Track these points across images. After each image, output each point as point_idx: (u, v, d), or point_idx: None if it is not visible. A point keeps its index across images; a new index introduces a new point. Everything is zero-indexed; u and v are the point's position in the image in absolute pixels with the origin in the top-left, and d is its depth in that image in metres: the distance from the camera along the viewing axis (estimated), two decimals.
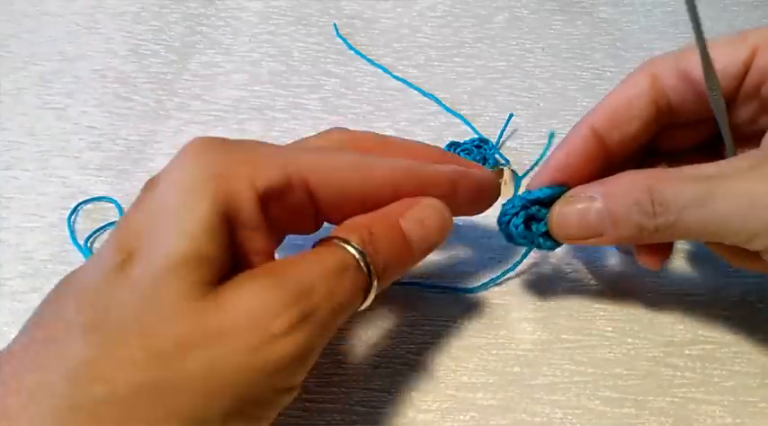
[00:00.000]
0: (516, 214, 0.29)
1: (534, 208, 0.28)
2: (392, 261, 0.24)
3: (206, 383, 0.19)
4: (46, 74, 0.44)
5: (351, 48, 0.46)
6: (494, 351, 0.30)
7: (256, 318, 0.20)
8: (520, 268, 0.33)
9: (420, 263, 0.30)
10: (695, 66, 0.26)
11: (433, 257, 0.34)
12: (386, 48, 0.46)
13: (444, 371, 0.30)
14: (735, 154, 0.27)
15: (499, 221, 0.30)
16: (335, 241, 0.23)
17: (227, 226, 0.22)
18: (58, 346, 0.19)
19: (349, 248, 0.23)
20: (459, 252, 0.34)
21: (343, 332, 0.31)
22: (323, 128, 0.41)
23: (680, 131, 0.29)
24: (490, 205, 0.29)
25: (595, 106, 0.29)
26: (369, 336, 0.31)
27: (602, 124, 0.28)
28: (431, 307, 0.32)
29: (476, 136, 0.40)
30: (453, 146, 0.38)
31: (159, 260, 0.20)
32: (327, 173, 0.24)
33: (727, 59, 0.26)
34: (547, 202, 0.28)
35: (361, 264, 0.23)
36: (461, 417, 0.28)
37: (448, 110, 0.42)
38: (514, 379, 0.29)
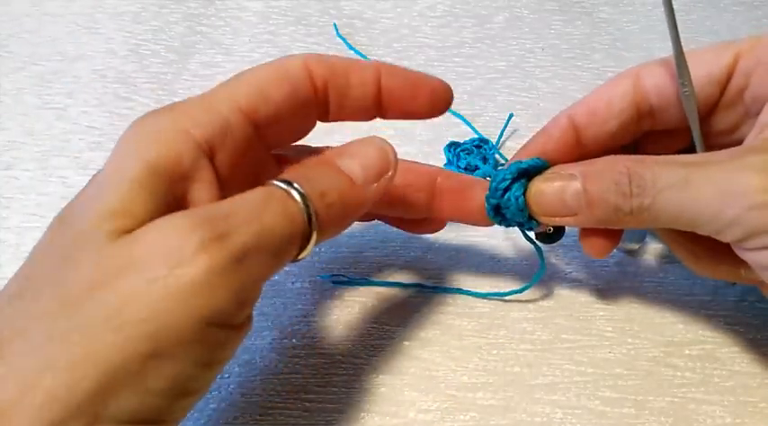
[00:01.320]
0: (510, 185, 0.27)
1: (524, 180, 0.27)
2: (333, 197, 0.23)
3: (118, 322, 0.18)
4: (46, 74, 0.44)
5: (351, 48, 0.46)
6: (494, 351, 0.30)
7: (165, 245, 0.19)
8: (520, 268, 0.33)
9: (421, 265, 0.30)
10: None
11: (436, 258, 0.34)
12: (386, 48, 0.46)
13: (444, 371, 0.30)
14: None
15: (492, 195, 0.28)
16: (266, 182, 0.22)
17: (161, 178, 0.21)
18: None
19: (274, 182, 0.22)
20: (461, 253, 0.34)
21: (344, 332, 0.31)
22: (323, 127, 0.41)
23: (664, 137, 0.29)
24: (445, 109, 0.28)
25: (578, 100, 0.29)
26: (368, 336, 0.31)
27: (580, 118, 0.28)
28: (431, 307, 0.32)
29: (476, 136, 0.40)
30: (453, 146, 0.38)
31: (79, 218, 0.21)
32: (253, 90, 0.23)
33: (710, 64, 0.26)
34: (531, 175, 0.27)
35: (292, 193, 0.22)
36: (461, 417, 0.28)
37: (448, 109, 0.42)
38: (514, 379, 0.29)
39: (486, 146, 0.38)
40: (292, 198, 0.21)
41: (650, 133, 0.29)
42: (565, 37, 0.47)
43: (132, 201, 0.20)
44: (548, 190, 0.27)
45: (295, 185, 0.22)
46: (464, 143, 0.39)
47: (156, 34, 0.47)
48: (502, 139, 0.40)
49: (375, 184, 0.24)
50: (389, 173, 0.24)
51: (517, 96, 0.43)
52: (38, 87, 0.43)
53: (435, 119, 0.42)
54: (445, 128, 0.41)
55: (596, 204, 0.25)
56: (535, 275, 0.31)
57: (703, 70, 0.26)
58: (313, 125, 0.27)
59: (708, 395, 0.29)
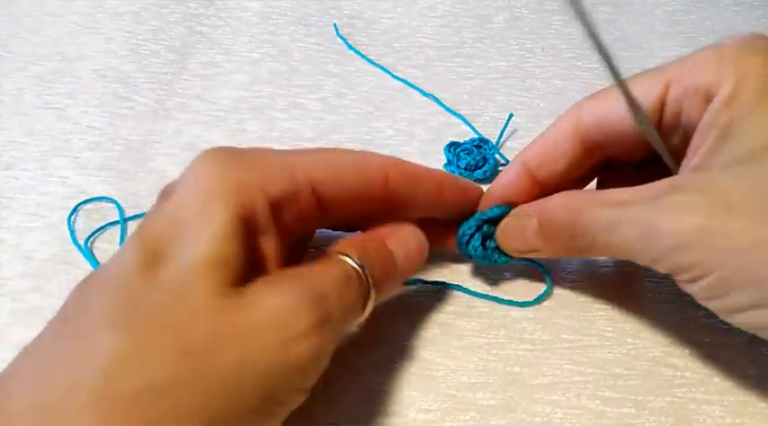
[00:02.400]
0: (473, 235, 0.31)
1: (486, 227, 0.31)
2: (383, 275, 0.26)
3: (236, 379, 0.20)
4: (46, 74, 0.44)
5: (351, 48, 0.46)
6: (494, 351, 0.30)
7: (282, 318, 0.21)
8: (519, 268, 0.33)
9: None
10: (615, 102, 0.27)
11: (438, 256, 0.34)
12: (386, 48, 0.46)
13: (444, 371, 0.30)
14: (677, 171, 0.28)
15: (459, 242, 0.31)
16: (337, 255, 0.25)
17: (245, 231, 0.23)
18: (87, 342, 0.20)
19: (350, 261, 0.25)
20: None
21: None
22: (323, 128, 0.41)
23: (623, 164, 0.31)
24: (474, 209, 0.32)
25: (529, 144, 0.31)
26: (369, 336, 0.31)
27: (532, 161, 0.30)
28: (431, 307, 0.32)
29: (476, 136, 0.40)
30: (453, 146, 0.38)
31: (186, 262, 0.21)
32: (330, 170, 0.25)
33: (643, 96, 0.27)
34: (497, 221, 0.31)
35: (362, 275, 0.25)
36: (461, 417, 0.28)
37: (448, 110, 0.42)
38: (514, 379, 0.29)
39: (486, 146, 0.38)
40: (364, 278, 0.25)
41: (609, 161, 0.30)
42: (565, 37, 0.47)
43: (230, 253, 0.22)
44: (510, 230, 0.30)
45: (366, 270, 0.25)
46: (464, 143, 0.39)
47: (156, 34, 0.47)
48: (502, 139, 0.40)
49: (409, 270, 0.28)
50: (420, 263, 0.29)
51: (517, 96, 0.43)
52: (38, 87, 0.43)
53: (435, 120, 0.42)
54: (445, 128, 0.41)
55: (552, 241, 0.28)
56: (540, 295, 0.32)
57: (639, 99, 0.26)
58: (367, 217, 0.29)
59: (708, 395, 0.29)
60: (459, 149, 0.38)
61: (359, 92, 0.43)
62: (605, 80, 0.25)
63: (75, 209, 0.36)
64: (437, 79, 0.44)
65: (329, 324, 0.23)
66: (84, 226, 0.35)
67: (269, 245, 0.24)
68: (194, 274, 0.21)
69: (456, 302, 0.32)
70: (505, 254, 0.31)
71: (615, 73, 0.24)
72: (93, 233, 0.35)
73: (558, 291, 0.33)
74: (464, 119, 0.41)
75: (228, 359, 0.20)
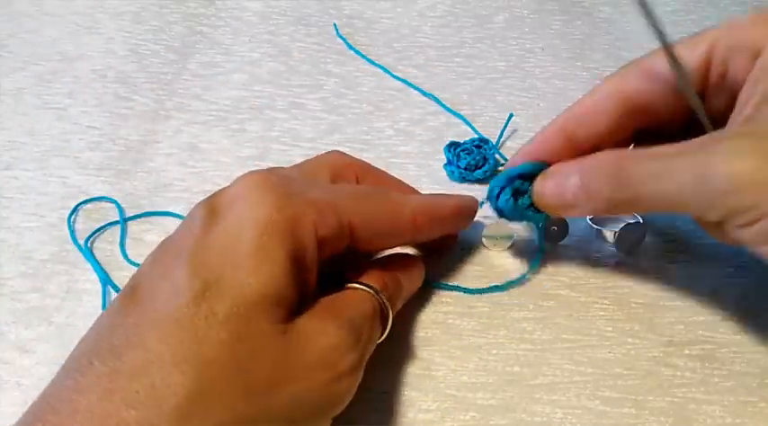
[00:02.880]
0: (503, 189, 0.30)
1: (518, 182, 0.30)
2: (395, 302, 0.28)
3: (289, 415, 0.22)
4: (46, 74, 0.44)
5: (351, 48, 0.46)
6: (494, 351, 0.30)
7: (330, 357, 0.23)
8: (519, 268, 0.33)
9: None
10: (658, 63, 0.28)
11: (435, 256, 0.34)
12: (386, 48, 0.46)
13: (444, 371, 0.30)
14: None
15: (489, 197, 0.31)
16: (365, 289, 0.27)
17: (297, 268, 0.24)
18: (150, 380, 0.20)
19: (376, 295, 0.27)
20: (464, 253, 0.34)
21: None
22: (323, 128, 0.41)
23: (660, 129, 0.30)
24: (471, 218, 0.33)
25: (569, 107, 0.31)
26: None
27: (570, 121, 0.30)
28: (431, 307, 0.32)
29: (476, 136, 0.40)
30: (453, 146, 0.38)
31: (245, 298, 0.22)
32: (369, 216, 0.27)
33: (688, 58, 0.28)
34: (529, 177, 0.30)
35: (384, 306, 0.27)
36: (461, 417, 0.28)
37: (448, 110, 0.42)
38: (514, 379, 0.29)
39: (486, 146, 0.38)
40: (385, 309, 0.27)
41: (646, 131, 0.30)
42: (565, 37, 0.47)
43: (286, 291, 0.23)
44: (549, 187, 0.29)
45: (387, 304, 0.27)
46: (464, 143, 0.39)
47: (156, 34, 0.47)
48: (502, 139, 0.40)
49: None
50: (419, 285, 0.31)
51: (517, 96, 0.43)
52: (38, 87, 0.43)
53: (435, 120, 0.42)
54: (445, 128, 0.41)
55: (593, 197, 0.28)
56: (534, 261, 0.33)
57: (683, 60, 0.27)
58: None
59: (708, 395, 0.29)
60: (459, 149, 0.38)
61: (359, 92, 0.43)
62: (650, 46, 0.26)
63: (74, 209, 0.36)
64: (437, 79, 0.44)
65: (364, 357, 0.25)
66: (83, 226, 0.35)
67: (312, 278, 0.25)
68: (254, 312, 0.22)
69: (456, 302, 0.32)
70: (538, 211, 0.30)
71: (659, 31, 0.25)
72: (93, 233, 0.35)
73: (558, 291, 0.33)
74: (464, 119, 0.41)
75: (284, 397, 0.21)
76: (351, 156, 0.31)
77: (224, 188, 0.26)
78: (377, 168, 0.32)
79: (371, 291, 0.27)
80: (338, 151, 0.32)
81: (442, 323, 0.31)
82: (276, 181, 0.25)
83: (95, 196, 0.37)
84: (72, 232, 0.35)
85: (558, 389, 0.29)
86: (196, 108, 0.42)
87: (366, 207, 0.27)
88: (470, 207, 0.32)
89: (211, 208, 0.25)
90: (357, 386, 0.25)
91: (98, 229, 0.35)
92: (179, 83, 0.44)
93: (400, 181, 0.33)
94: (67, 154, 0.39)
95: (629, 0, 0.50)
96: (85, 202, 0.36)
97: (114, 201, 0.36)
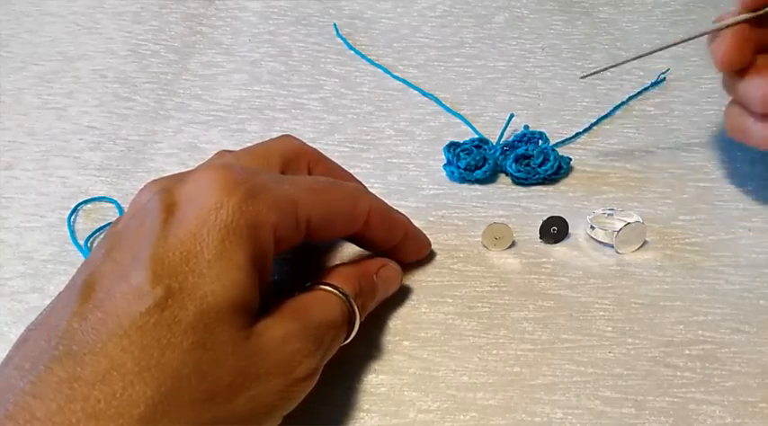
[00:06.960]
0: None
1: (522, 148, 0.37)
2: (366, 304, 0.29)
3: (248, 416, 0.22)
4: (46, 74, 0.44)
5: (351, 48, 0.46)
6: (494, 351, 0.30)
7: (289, 364, 0.23)
8: (519, 268, 0.33)
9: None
10: None
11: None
12: (386, 48, 0.46)
13: (444, 371, 0.30)
14: None
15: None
16: (336, 291, 0.27)
17: (258, 270, 0.24)
18: (111, 388, 0.19)
19: (348, 301, 0.27)
20: (464, 254, 0.34)
21: None
22: (323, 128, 0.41)
23: None
24: (422, 256, 0.33)
25: None
26: (368, 336, 0.31)
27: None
28: (431, 307, 0.32)
29: (476, 136, 0.40)
30: (453, 146, 0.38)
31: (209, 307, 0.21)
32: (327, 211, 0.27)
33: None
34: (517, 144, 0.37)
35: (354, 310, 0.27)
36: (461, 417, 0.28)
37: (448, 110, 0.42)
38: (514, 379, 0.29)
39: (486, 146, 0.38)
40: (355, 313, 0.27)
41: None
42: (565, 37, 0.47)
43: (249, 296, 0.23)
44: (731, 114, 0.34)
45: (357, 311, 0.27)
46: (464, 143, 0.39)
47: (156, 34, 0.47)
48: (502, 139, 0.40)
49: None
50: (394, 290, 0.32)
51: (517, 96, 0.43)
52: (38, 87, 0.43)
53: (435, 120, 0.42)
54: (445, 128, 0.41)
55: None
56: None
57: None
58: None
59: (708, 395, 0.29)
60: (459, 149, 0.38)
61: (359, 92, 0.43)
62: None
63: (74, 209, 0.36)
64: (437, 79, 0.44)
65: (324, 362, 0.25)
66: (83, 226, 0.35)
67: (269, 276, 0.25)
68: (218, 320, 0.21)
69: (456, 302, 0.32)
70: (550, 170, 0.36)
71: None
72: (94, 233, 0.35)
73: (558, 291, 0.33)
74: (464, 120, 0.41)
75: (244, 401, 0.22)
76: (301, 141, 0.31)
77: (181, 176, 0.25)
78: (327, 157, 0.32)
79: (342, 297, 0.27)
80: (289, 136, 0.31)
81: (441, 324, 0.31)
82: (237, 179, 0.24)
83: (95, 196, 0.37)
84: (72, 232, 0.35)
85: (558, 389, 0.29)
86: (196, 108, 0.42)
87: (324, 201, 0.27)
88: (421, 238, 0.33)
89: (169, 201, 0.24)
90: (313, 386, 0.25)
91: (98, 229, 0.35)
92: (179, 83, 0.44)
93: (348, 172, 0.33)
94: (67, 154, 0.39)
95: (630, 0, 0.50)
96: (85, 202, 0.36)
97: (114, 201, 0.36)
